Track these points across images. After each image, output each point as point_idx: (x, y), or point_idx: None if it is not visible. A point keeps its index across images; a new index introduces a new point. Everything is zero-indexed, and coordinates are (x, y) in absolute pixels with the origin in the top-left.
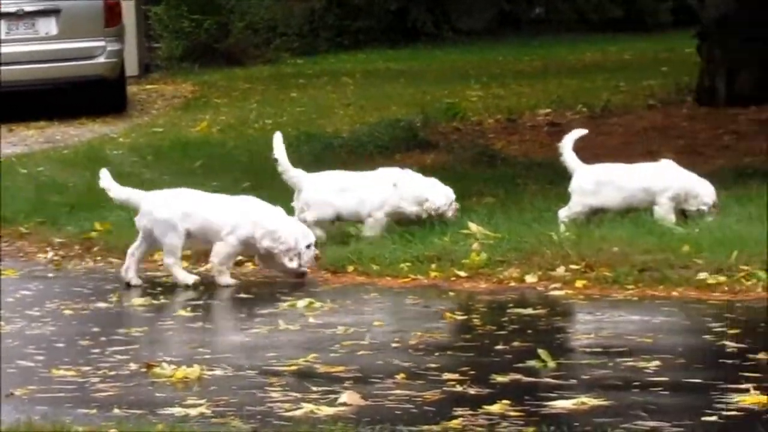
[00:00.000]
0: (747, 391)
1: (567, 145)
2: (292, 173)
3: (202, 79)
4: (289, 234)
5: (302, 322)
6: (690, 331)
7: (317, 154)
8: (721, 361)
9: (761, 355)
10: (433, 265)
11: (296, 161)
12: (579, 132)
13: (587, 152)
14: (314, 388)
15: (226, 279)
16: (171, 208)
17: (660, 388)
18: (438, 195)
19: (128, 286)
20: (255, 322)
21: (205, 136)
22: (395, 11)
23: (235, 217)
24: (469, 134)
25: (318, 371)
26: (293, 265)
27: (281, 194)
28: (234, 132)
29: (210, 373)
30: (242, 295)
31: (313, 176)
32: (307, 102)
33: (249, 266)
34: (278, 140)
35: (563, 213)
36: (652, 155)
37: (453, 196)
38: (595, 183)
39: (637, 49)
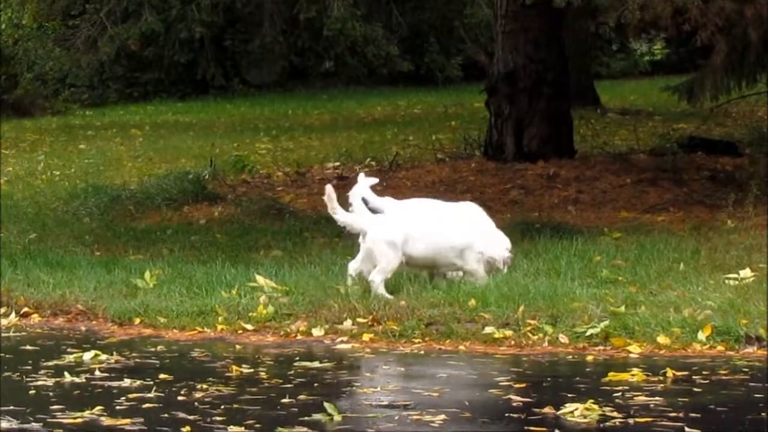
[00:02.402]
0: None
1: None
2: (378, 202)
3: None
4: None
5: (88, 374)
6: (476, 385)
7: (105, 207)
8: (507, 415)
9: (547, 409)
10: (220, 318)
11: (84, 214)
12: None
13: None
14: None
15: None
16: (395, 232)
17: None
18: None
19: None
20: (40, 374)
21: None
22: (185, 63)
23: (464, 238)
24: (258, 187)
25: (103, 424)
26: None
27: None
28: (22, 183)
29: None
30: (28, 347)
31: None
32: (96, 154)
33: (35, 318)
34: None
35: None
36: None
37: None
38: None
39: (427, 104)
